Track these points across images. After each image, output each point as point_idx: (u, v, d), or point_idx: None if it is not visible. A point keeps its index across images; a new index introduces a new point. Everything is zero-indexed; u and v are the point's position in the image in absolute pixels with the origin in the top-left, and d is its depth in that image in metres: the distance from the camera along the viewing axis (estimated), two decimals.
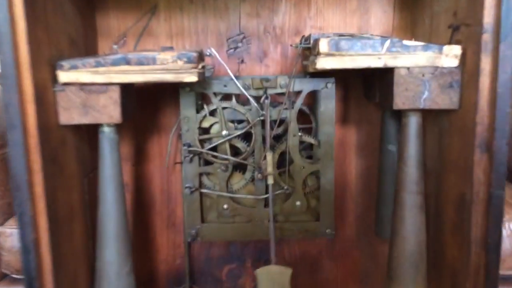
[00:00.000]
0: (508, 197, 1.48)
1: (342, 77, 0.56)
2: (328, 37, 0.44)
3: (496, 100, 0.39)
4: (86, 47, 0.53)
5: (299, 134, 0.53)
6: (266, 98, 0.49)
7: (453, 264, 0.46)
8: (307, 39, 0.49)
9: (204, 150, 0.51)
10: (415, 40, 0.51)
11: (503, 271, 1.35)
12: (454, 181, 0.45)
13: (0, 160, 1.46)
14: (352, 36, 0.44)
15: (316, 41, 0.43)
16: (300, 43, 0.49)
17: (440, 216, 0.49)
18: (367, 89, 0.55)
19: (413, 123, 0.45)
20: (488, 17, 0.39)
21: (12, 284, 0.83)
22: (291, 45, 0.56)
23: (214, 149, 0.53)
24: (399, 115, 0.49)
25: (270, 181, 0.49)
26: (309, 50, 0.48)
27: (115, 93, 0.44)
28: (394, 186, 0.48)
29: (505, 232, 1.39)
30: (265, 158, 0.50)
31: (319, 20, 0.57)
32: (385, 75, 0.46)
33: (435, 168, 0.50)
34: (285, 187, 0.53)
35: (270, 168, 0.48)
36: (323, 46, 0.42)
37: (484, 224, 0.41)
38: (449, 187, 0.47)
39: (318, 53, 0.43)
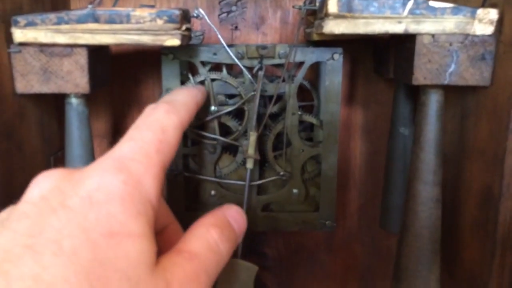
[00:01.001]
0: None
1: (349, 48, 0.49)
2: None
3: None
4: (53, 5, 0.45)
5: (299, 112, 0.46)
6: (260, 69, 0.42)
7: (471, 267, 0.40)
8: (312, 0, 0.42)
9: (188, 128, 0.45)
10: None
11: None
12: (479, 171, 0.39)
13: None
14: None
15: (324, 0, 0.36)
16: (304, 4, 0.42)
17: (458, 211, 0.43)
18: (379, 62, 0.48)
19: (434, 102, 0.38)
20: None
21: None
22: (293, 7, 0.48)
23: (201, 127, 0.46)
24: (416, 94, 0.43)
25: (249, 165, 0.42)
26: (314, 14, 0.41)
27: (82, 57, 0.37)
28: (407, 175, 0.42)
29: None
30: (246, 138, 0.43)
31: None
32: (403, 44, 0.39)
33: (454, 156, 0.44)
34: (281, 173, 0.46)
35: (251, 150, 0.41)
36: (332, 6, 0.35)
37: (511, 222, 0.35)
38: (472, 178, 0.40)
39: (326, 15, 0.35)
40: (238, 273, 0.44)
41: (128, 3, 0.49)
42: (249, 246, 0.56)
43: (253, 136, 0.43)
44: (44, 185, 0.20)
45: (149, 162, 0.21)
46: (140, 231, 0.19)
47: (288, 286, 0.58)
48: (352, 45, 0.49)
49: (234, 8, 0.50)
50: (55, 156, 0.46)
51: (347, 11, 0.35)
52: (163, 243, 0.23)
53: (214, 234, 0.23)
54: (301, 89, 0.47)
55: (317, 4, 0.40)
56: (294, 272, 0.57)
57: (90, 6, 0.46)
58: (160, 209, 0.24)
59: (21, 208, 0.19)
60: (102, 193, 0.19)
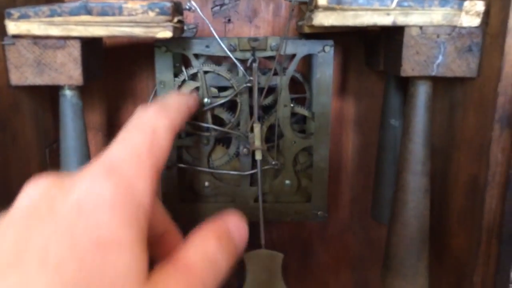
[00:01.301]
0: None
1: (340, 40, 0.50)
2: None
3: None
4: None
5: (291, 104, 0.47)
6: (254, 61, 0.43)
7: (459, 255, 0.41)
8: None
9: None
10: None
11: None
12: (466, 161, 0.40)
13: None
14: None
15: None
16: None
17: (446, 200, 0.43)
18: (370, 55, 0.49)
19: (422, 93, 0.39)
20: None
21: None
22: None
23: (194, 119, 0.46)
24: (405, 86, 0.43)
25: (258, 156, 0.43)
26: (305, 4, 0.42)
27: (75, 49, 0.37)
28: (396, 166, 0.43)
29: None
30: (252, 130, 0.44)
31: None
32: (392, 36, 0.40)
33: (442, 147, 0.44)
34: (273, 162, 0.47)
35: (258, 142, 0.42)
36: None
37: (499, 210, 0.36)
38: (459, 168, 0.41)
39: (316, 7, 0.36)
40: (266, 262, 0.45)
41: None
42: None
43: (257, 128, 0.44)
44: (33, 192, 0.20)
45: (140, 164, 0.20)
46: (131, 239, 0.18)
47: (282, 275, 0.59)
48: (344, 37, 0.50)
49: (227, 1, 0.51)
50: (50, 148, 0.46)
51: (336, 3, 0.36)
52: (159, 250, 0.22)
53: (213, 244, 0.21)
54: (294, 81, 0.47)
55: None
56: (288, 262, 0.58)
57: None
58: (156, 214, 0.23)
59: (9, 216, 0.19)
60: (92, 199, 0.18)
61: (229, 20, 0.51)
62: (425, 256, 0.42)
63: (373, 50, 0.47)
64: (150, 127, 0.22)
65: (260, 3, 0.51)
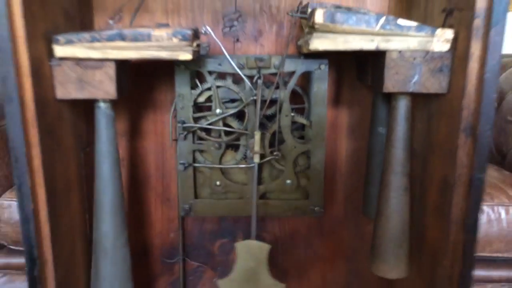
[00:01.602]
0: (498, 181, 1.49)
1: (335, 58, 0.57)
2: (325, 7, 0.44)
3: (483, 86, 0.40)
4: (81, 22, 0.53)
5: (292, 114, 0.54)
6: (259, 78, 0.50)
7: (433, 244, 0.48)
8: (305, 7, 0.49)
9: (197, 126, 0.52)
10: None
11: (491, 253, 1.38)
12: (439, 164, 0.47)
13: None
14: (349, 9, 0.44)
15: (313, 11, 0.43)
16: (297, 11, 0.49)
17: (424, 198, 0.50)
18: (360, 71, 0.56)
19: (402, 106, 0.46)
20: (480, 2, 0.39)
21: (8, 254, 0.90)
22: (287, 13, 0.56)
23: (208, 128, 0.54)
24: (390, 98, 0.50)
25: (256, 159, 0.50)
26: (305, 19, 0.48)
27: (111, 69, 0.45)
28: (381, 168, 0.50)
29: (493, 216, 1.41)
30: (252, 137, 0.51)
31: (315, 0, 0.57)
32: (377, 58, 0.47)
33: (422, 151, 0.51)
34: (275, 153, 0.54)
35: (257, 147, 0.49)
36: (319, 17, 0.42)
37: (464, 206, 0.43)
38: (434, 169, 0.48)
39: (314, 24, 0.42)
40: (253, 251, 0.52)
41: (143, 19, 0.57)
42: (249, 231, 0.64)
43: (257, 135, 0.51)
44: None
45: None
46: None
47: (283, 266, 0.66)
48: (338, 56, 0.57)
49: (235, 23, 0.58)
50: (84, 151, 0.53)
51: (331, 21, 0.42)
52: None
53: None
54: (294, 93, 0.55)
55: (309, 11, 0.47)
56: (289, 254, 0.65)
57: (111, 21, 0.55)
58: None
59: None
60: None
61: (237, 39, 0.58)
62: (405, 245, 0.49)
63: (362, 67, 0.55)
64: None
65: (264, 25, 0.58)
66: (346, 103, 0.60)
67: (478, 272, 1.49)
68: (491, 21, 0.38)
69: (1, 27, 0.38)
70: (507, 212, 1.42)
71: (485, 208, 1.42)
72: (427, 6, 0.50)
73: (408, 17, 0.55)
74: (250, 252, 0.52)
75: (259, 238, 0.65)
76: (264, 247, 0.52)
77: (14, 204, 1.02)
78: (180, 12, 0.57)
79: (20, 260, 0.91)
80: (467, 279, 0.44)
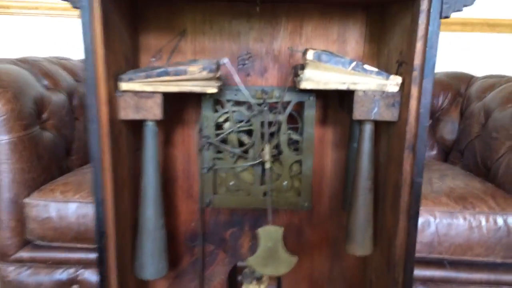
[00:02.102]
0: (480, 192, 1.67)
1: (324, 91, 0.75)
2: (314, 49, 0.62)
3: (419, 117, 0.58)
4: (133, 62, 0.71)
5: (288, 132, 0.72)
6: (265, 106, 0.68)
7: (389, 229, 0.65)
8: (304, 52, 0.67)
9: (216, 140, 0.70)
10: (377, 66, 0.70)
11: (472, 257, 1.56)
12: (393, 171, 0.64)
13: (27, 139, 1.65)
14: (331, 53, 0.61)
15: (306, 51, 0.61)
16: (293, 47, 0.67)
17: (384, 196, 0.68)
18: (341, 101, 0.74)
19: (367, 129, 0.64)
20: (417, 60, 0.57)
21: (34, 249, 1.01)
22: (288, 48, 0.74)
23: (225, 141, 0.72)
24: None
25: (267, 165, 0.68)
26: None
27: (159, 99, 0.63)
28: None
29: (474, 223, 1.60)
30: (263, 150, 0.69)
31: (308, 46, 0.75)
32: (349, 95, 0.65)
33: (384, 162, 0.69)
34: (276, 170, 0.72)
35: (267, 156, 0.67)
36: (310, 55, 0.60)
37: (408, 201, 0.60)
38: (390, 175, 0.65)
39: (305, 60, 0.60)
40: (271, 233, 0.69)
41: (177, 58, 0.75)
42: (254, 223, 0.82)
43: (267, 148, 0.68)
44: None
45: None
46: None
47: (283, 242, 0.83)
48: (326, 91, 0.75)
49: (247, 61, 0.76)
50: (134, 156, 0.71)
51: (318, 60, 0.60)
52: None
53: None
54: (292, 116, 0.73)
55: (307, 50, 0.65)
56: (285, 241, 0.82)
57: (153, 59, 0.73)
58: None
59: None
60: None
61: (248, 74, 0.76)
62: (370, 230, 0.66)
63: (342, 98, 0.72)
64: None
65: (269, 63, 0.76)
66: (331, 123, 0.78)
67: (461, 275, 1.66)
68: (424, 74, 0.56)
69: (90, 72, 0.56)
70: (487, 220, 1.60)
71: (467, 216, 1.60)
72: (388, 56, 0.68)
73: (376, 61, 0.73)
74: (269, 235, 0.69)
75: (261, 226, 0.82)
76: (279, 230, 0.69)
77: (41, 203, 1.15)
78: (205, 53, 0.75)
79: (45, 254, 1.03)
80: (410, 254, 0.61)
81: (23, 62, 1.81)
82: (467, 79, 2.38)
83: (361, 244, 0.66)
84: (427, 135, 0.58)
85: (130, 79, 0.62)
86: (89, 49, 0.56)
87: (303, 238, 0.83)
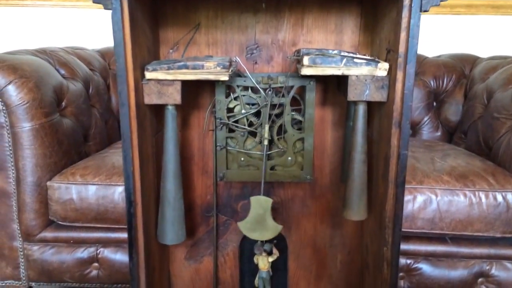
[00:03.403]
0: (480, 170, 1.76)
1: (324, 77, 0.84)
2: (309, 53, 0.71)
3: (404, 97, 0.66)
4: (155, 53, 0.81)
5: (292, 113, 0.81)
6: (270, 90, 0.77)
7: (381, 196, 0.75)
8: (298, 51, 0.77)
9: (229, 122, 0.80)
10: (371, 53, 0.79)
11: (472, 233, 1.65)
12: (383, 145, 0.73)
13: (49, 126, 1.76)
14: (323, 54, 0.70)
15: (302, 56, 0.70)
16: (293, 55, 0.76)
17: (377, 167, 0.77)
18: (338, 85, 0.83)
19: (360, 109, 0.73)
20: (401, 48, 0.66)
21: (57, 229, 1.08)
22: (287, 57, 0.83)
23: (236, 122, 0.81)
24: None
25: (265, 142, 0.77)
26: (298, 60, 0.75)
27: (178, 86, 0.72)
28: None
29: (474, 200, 1.69)
30: (263, 128, 0.78)
31: (309, 36, 0.84)
32: (344, 79, 0.73)
33: (376, 138, 0.78)
34: (281, 147, 0.81)
35: (266, 134, 0.76)
36: (305, 60, 0.69)
37: (395, 170, 0.70)
38: (381, 149, 0.75)
39: (302, 64, 0.70)
40: (261, 203, 0.79)
41: (193, 49, 0.84)
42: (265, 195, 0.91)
43: (266, 127, 0.78)
44: None
45: None
46: None
47: (286, 220, 0.93)
48: (326, 76, 0.84)
49: (255, 51, 0.85)
50: (156, 137, 0.81)
51: (313, 63, 0.69)
52: None
53: None
54: (295, 99, 0.82)
55: (301, 55, 0.74)
56: (290, 211, 0.92)
57: (171, 51, 0.83)
58: None
59: None
60: None
61: (256, 62, 0.86)
62: (364, 198, 0.76)
63: (339, 82, 0.81)
64: None
65: (274, 53, 0.85)
66: (330, 105, 0.87)
67: (463, 250, 1.75)
68: (407, 60, 0.65)
69: (121, 64, 0.66)
70: (486, 197, 1.68)
71: (468, 193, 1.68)
72: (380, 44, 0.77)
73: (370, 49, 0.82)
74: (259, 203, 0.79)
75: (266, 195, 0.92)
76: (269, 200, 0.79)
77: (63, 186, 1.23)
78: (217, 45, 0.84)
79: (67, 234, 1.08)
80: (398, 217, 0.71)
81: (41, 53, 1.92)
82: (472, 61, 2.44)
83: (357, 210, 0.76)
84: (411, 113, 0.66)
85: (154, 69, 0.71)
86: (120, 44, 0.65)
87: (307, 208, 0.92)
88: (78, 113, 1.74)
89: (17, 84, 1.55)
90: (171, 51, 0.85)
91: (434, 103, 2.43)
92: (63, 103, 1.79)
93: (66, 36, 2.02)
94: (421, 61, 2.32)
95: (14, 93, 1.53)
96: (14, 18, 2.32)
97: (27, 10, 2.27)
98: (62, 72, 1.93)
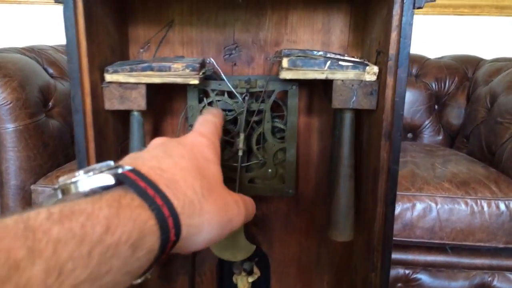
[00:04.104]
0: (483, 178, 1.67)
1: (309, 81, 0.76)
2: (290, 55, 0.63)
3: (395, 105, 0.59)
4: (121, 52, 0.73)
5: (275, 120, 0.73)
6: (246, 95, 0.69)
7: (369, 214, 0.67)
8: (280, 53, 0.69)
9: None
10: (361, 55, 0.71)
11: (473, 243, 1.57)
12: (373, 158, 0.65)
13: (33, 127, 1.68)
14: (305, 56, 0.63)
15: (282, 58, 0.63)
16: (274, 56, 0.69)
17: (365, 182, 0.69)
18: (325, 90, 0.75)
19: (347, 118, 0.65)
20: (392, 50, 0.58)
21: None
22: (267, 59, 0.75)
23: None
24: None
25: (240, 153, 0.69)
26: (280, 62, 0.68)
27: (143, 90, 0.65)
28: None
29: (476, 209, 1.60)
30: (239, 137, 0.71)
31: (293, 35, 0.76)
32: (330, 84, 0.66)
33: (366, 149, 0.70)
34: (260, 158, 0.74)
35: (241, 144, 0.68)
36: (285, 62, 0.62)
37: (385, 187, 0.62)
38: (371, 162, 0.67)
39: (282, 67, 0.62)
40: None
41: (165, 49, 0.77)
42: None
43: (242, 136, 0.70)
44: (160, 140, 0.43)
45: (214, 134, 0.47)
46: (217, 162, 0.41)
47: (269, 237, 0.85)
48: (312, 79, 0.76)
49: (233, 51, 0.77)
50: (121, 146, 0.74)
51: (293, 66, 0.62)
52: None
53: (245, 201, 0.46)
54: (278, 105, 0.74)
55: (282, 56, 0.67)
56: (273, 227, 0.85)
57: (141, 50, 0.75)
58: None
59: (152, 143, 0.42)
60: (198, 143, 0.41)
61: (235, 64, 0.78)
62: (350, 217, 0.68)
63: (325, 87, 0.73)
64: (212, 121, 0.51)
65: (255, 54, 0.77)
66: (316, 112, 0.79)
67: (463, 260, 1.66)
68: (398, 63, 0.57)
69: (74, 64, 0.58)
70: (489, 206, 1.60)
71: (469, 201, 1.60)
72: (370, 45, 0.69)
73: (361, 50, 0.74)
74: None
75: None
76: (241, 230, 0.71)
77: (47, 189, 1.18)
78: (192, 44, 0.76)
79: None
80: (388, 239, 0.63)
81: (29, 51, 1.84)
82: (475, 62, 2.35)
83: (342, 231, 0.68)
84: (402, 123, 0.58)
85: (115, 71, 0.64)
86: (72, 42, 0.58)
87: (291, 224, 0.85)
88: (66, 114, 1.66)
89: (0, 84, 1.47)
90: (141, 50, 0.77)
91: (436, 106, 2.34)
92: (50, 104, 1.71)
93: (57, 34, 1.95)
94: (423, 62, 2.24)
95: None
96: (5, 15, 2.25)
97: (20, 7, 2.21)
98: (51, 71, 1.85)
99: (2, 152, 1.54)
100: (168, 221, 0.30)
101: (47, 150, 1.62)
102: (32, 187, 1.16)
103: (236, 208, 0.41)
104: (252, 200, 0.51)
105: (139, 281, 0.32)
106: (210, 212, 0.35)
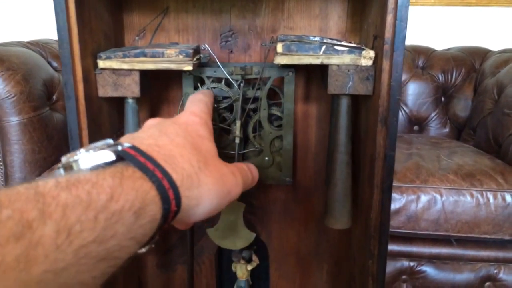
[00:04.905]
0: (489, 169, 1.65)
1: (306, 67, 0.75)
2: (283, 40, 0.62)
3: (390, 90, 0.57)
4: (116, 40, 0.72)
5: (273, 108, 0.72)
6: (241, 82, 0.68)
7: (366, 202, 0.66)
8: (276, 39, 0.68)
9: None
10: (359, 41, 0.70)
11: (479, 235, 1.54)
12: (369, 145, 0.64)
13: (37, 120, 1.68)
14: (300, 41, 0.62)
15: (277, 44, 0.62)
16: (270, 42, 0.67)
17: (362, 170, 0.68)
18: (322, 77, 0.74)
19: (343, 103, 0.64)
20: (388, 33, 0.56)
21: None
22: (262, 44, 0.74)
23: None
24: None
25: (237, 140, 0.69)
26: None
27: (136, 76, 0.64)
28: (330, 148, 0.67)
29: (482, 200, 1.58)
30: (235, 124, 0.70)
31: (290, 22, 0.74)
32: (326, 69, 0.64)
33: (364, 135, 0.69)
34: (257, 146, 0.73)
35: (237, 132, 0.68)
36: (279, 48, 0.61)
37: (381, 174, 0.61)
38: (367, 149, 0.65)
39: (276, 52, 0.61)
40: (233, 208, 0.71)
41: (161, 36, 0.76)
42: (242, 199, 0.83)
43: (238, 123, 0.69)
44: (154, 121, 0.44)
45: (206, 113, 0.48)
46: (211, 138, 0.43)
47: (267, 226, 0.85)
48: (307, 66, 0.74)
49: (230, 38, 0.76)
50: (117, 134, 0.73)
51: (288, 51, 0.61)
52: None
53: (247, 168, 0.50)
54: (275, 91, 0.73)
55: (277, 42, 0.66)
56: (272, 216, 0.84)
57: (137, 38, 0.74)
58: None
59: (147, 123, 0.44)
60: (191, 121, 0.43)
61: (231, 51, 0.77)
62: (347, 204, 0.67)
63: (322, 73, 0.72)
64: (203, 100, 0.52)
65: (252, 40, 0.76)
66: (314, 99, 0.78)
67: (469, 252, 1.65)
68: (394, 47, 0.56)
69: (65, 50, 0.58)
70: (495, 197, 1.58)
71: (475, 193, 1.58)
72: (367, 30, 0.67)
73: (359, 35, 0.73)
74: (231, 208, 0.70)
75: (250, 204, 0.84)
76: (242, 205, 0.71)
77: None
78: (188, 31, 0.76)
79: None
80: (385, 227, 0.62)
81: (34, 45, 1.85)
82: (482, 54, 2.31)
83: (339, 218, 0.67)
84: (399, 109, 0.57)
85: (108, 58, 0.63)
86: (63, 28, 0.57)
87: (289, 213, 0.84)
88: None
89: (4, 77, 1.48)
90: (137, 38, 0.76)
91: (442, 98, 2.31)
92: (54, 97, 1.71)
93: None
94: (429, 54, 2.21)
95: (0, 86, 1.47)
96: (15, 7, 2.26)
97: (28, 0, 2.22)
98: (55, 64, 1.86)
99: (6, 145, 1.55)
100: (168, 192, 0.32)
101: (51, 143, 1.63)
102: (37, 179, 1.18)
103: (233, 178, 0.42)
104: (253, 166, 0.54)
105: (143, 250, 0.34)
106: (208, 184, 0.37)
